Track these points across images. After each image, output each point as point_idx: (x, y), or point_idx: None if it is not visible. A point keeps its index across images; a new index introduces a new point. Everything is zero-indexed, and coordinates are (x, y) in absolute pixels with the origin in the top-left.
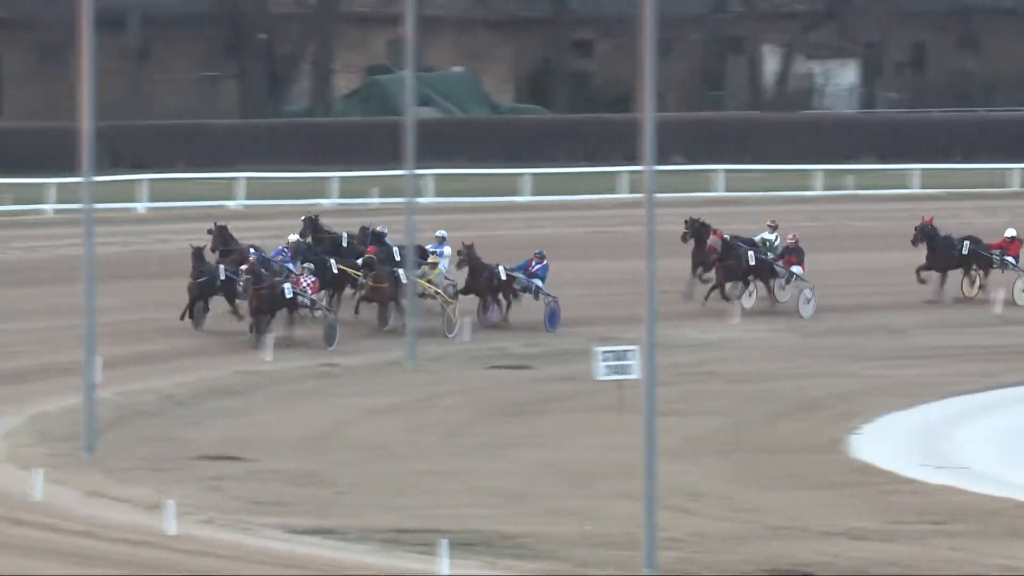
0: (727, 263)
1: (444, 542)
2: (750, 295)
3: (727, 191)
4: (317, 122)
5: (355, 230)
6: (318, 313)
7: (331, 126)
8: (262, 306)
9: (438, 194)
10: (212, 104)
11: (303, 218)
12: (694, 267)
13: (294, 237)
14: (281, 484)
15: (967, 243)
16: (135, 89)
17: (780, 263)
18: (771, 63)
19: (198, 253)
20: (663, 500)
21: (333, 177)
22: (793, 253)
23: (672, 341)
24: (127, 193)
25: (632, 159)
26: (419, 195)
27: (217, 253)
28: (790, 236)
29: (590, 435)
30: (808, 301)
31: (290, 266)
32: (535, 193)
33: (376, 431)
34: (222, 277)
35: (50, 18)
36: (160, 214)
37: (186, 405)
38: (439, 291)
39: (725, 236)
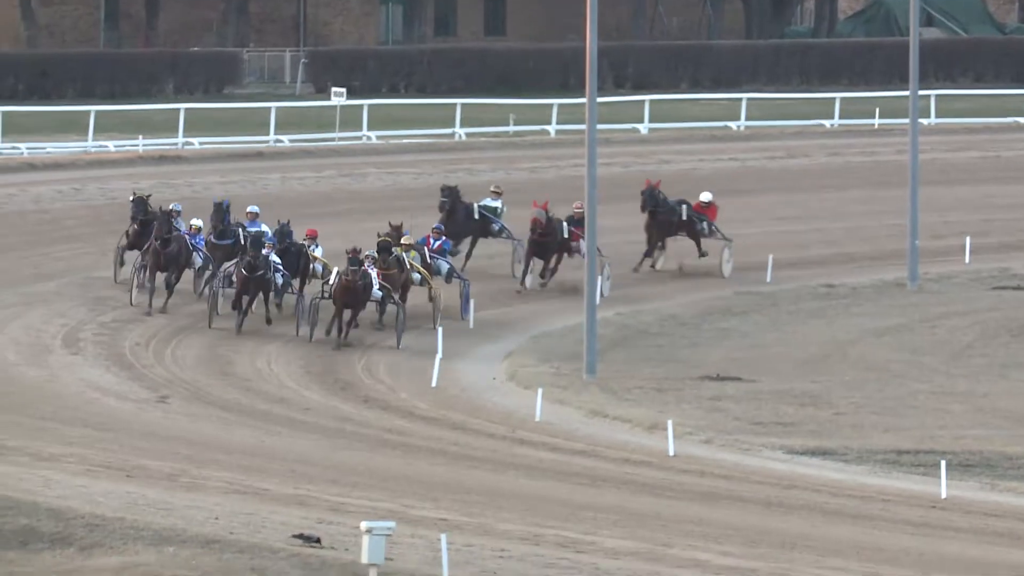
0: (547, 239)
1: (943, 463)
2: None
3: None
4: (820, 43)
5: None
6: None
7: (835, 47)
8: (355, 300)
9: (940, 115)
10: (715, 25)
11: (131, 198)
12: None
13: (197, 222)
14: (781, 404)
15: (684, 207)
16: (638, 10)
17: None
18: None
19: (257, 243)
20: None
21: (835, 98)
22: (579, 225)
23: None
24: (629, 114)
25: None
26: (922, 116)
27: (136, 224)
28: (576, 205)
29: None
30: (608, 278)
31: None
32: None
33: (877, 352)
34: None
35: None
36: (662, 135)
37: (688, 325)
38: (426, 275)
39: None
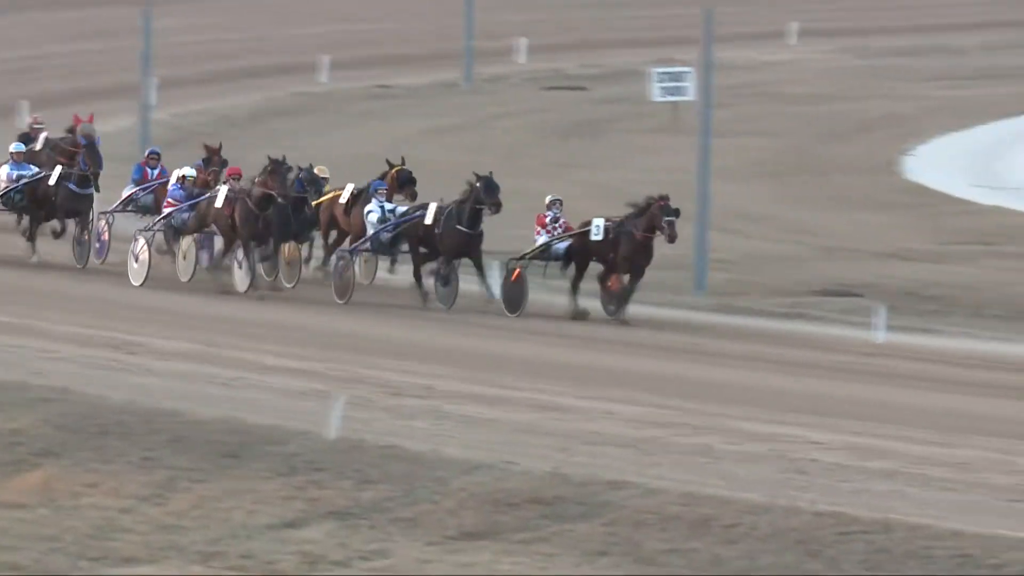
0: None
1: None
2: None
3: None
4: None
5: None
6: None
7: None
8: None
9: None
10: None
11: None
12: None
13: (190, 171)
14: None
15: None
16: None
17: None
18: None
19: (492, 187)
20: (715, 222)
21: None
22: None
23: (729, 62)
24: None
25: None
26: None
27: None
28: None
29: (645, 156)
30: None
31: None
32: None
33: (435, 152)
34: None
35: None
36: None
37: (240, 126)
38: None
39: None
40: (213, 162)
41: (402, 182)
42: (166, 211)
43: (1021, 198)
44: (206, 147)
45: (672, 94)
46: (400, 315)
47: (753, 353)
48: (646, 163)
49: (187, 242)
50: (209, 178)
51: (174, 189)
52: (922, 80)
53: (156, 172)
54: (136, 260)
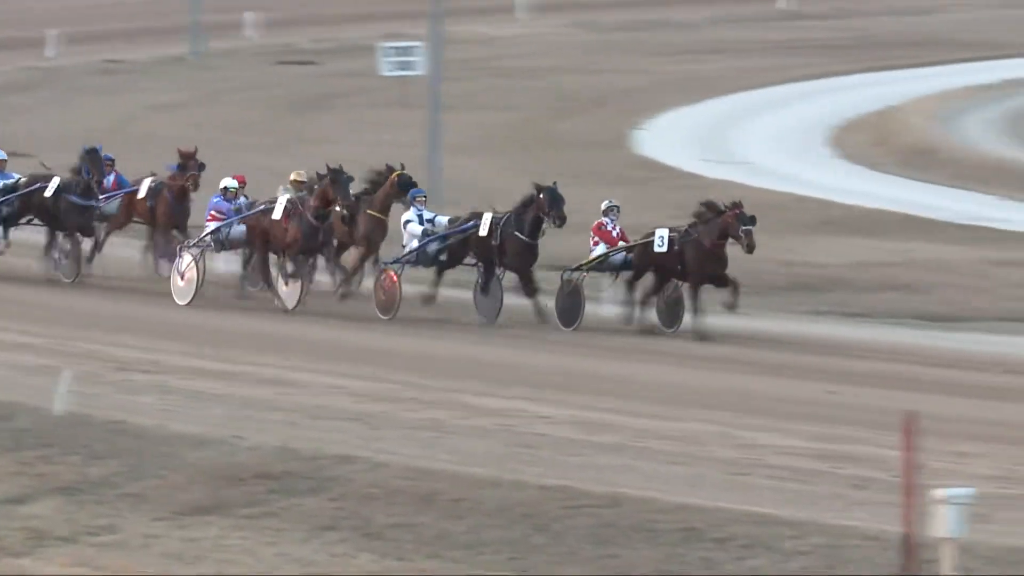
0: None
1: None
2: None
3: None
4: None
5: None
6: None
7: None
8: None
9: None
10: None
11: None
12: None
13: (232, 183)
14: None
15: None
16: None
17: None
18: None
19: (557, 198)
20: (446, 196)
21: None
22: None
23: (460, 37)
24: None
25: None
26: None
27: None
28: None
29: (376, 131)
30: None
31: None
32: None
33: (163, 127)
34: None
35: None
36: None
37: None
38: None
39: None
40: (188, 166)
41: (402, 187)
42: (211, 225)
43: (747, 172)
44: (180, 152)
45: (401, 68)
46: (127, 291)
47: (480, 327)
48: (377, 137)
49: (196, 252)
50: (186, 183)
51: (218, 201)
52: (652, 55)
53: (112, 179)
54: (182, 278)
